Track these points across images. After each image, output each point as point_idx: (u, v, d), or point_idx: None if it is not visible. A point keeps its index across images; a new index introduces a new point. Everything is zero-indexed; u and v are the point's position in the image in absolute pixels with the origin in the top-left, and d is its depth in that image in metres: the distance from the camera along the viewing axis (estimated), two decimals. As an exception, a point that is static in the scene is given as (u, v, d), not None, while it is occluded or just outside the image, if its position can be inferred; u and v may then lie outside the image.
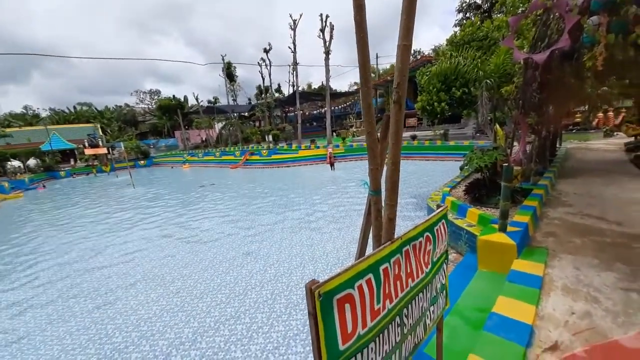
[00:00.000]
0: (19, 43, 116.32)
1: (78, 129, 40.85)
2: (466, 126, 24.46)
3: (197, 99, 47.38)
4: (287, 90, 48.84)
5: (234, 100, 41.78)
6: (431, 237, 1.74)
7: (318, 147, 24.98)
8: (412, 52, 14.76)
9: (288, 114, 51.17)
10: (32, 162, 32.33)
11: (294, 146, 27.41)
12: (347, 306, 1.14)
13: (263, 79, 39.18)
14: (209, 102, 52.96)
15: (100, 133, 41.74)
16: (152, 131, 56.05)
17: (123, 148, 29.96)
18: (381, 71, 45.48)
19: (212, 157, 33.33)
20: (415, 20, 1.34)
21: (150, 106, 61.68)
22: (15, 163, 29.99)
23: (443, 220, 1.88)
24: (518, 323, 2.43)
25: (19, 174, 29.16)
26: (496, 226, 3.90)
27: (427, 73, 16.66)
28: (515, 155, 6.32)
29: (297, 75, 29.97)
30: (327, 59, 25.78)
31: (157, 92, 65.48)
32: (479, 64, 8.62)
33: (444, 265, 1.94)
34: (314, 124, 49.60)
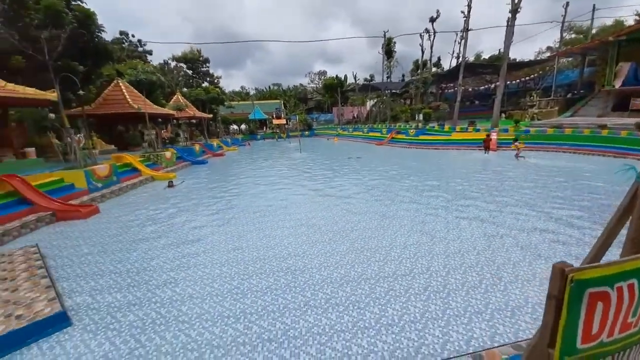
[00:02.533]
0: (237, 36, 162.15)
1: (270, 104, 54.13)
2: None
3: (355, 78, 50.92)
4: (447, 64, 43.61)
5: (388, 77, 41.85)
6: None
7: (478, 130, 21.62)
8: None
9: (445, 91, 46.07)
10: (243, 126, 46.55)
11: (446, 127, 25.00)
12: (600, 305, 1.01)
13: (422, 52, 36.76)
14: (365, 80, 55.63)
15: (283, 108, 53.52)
16: (316, 107, 65.74)
17: (298, 120, 37.20)
18: (594, 30, 31.71)
19: (360, 133, 35.74)
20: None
21: (317, 85, 71.96)
22: (235, 127, 44.26)
23: None
24: None
25: (236, 134, 42.83)
26: None
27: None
28: None
29: (465, 45, 26.16)
30: (512, 19, 20.80)
31: (324, 73, 75.05)
32: None
33: None
34: (476, 102, 42.34)
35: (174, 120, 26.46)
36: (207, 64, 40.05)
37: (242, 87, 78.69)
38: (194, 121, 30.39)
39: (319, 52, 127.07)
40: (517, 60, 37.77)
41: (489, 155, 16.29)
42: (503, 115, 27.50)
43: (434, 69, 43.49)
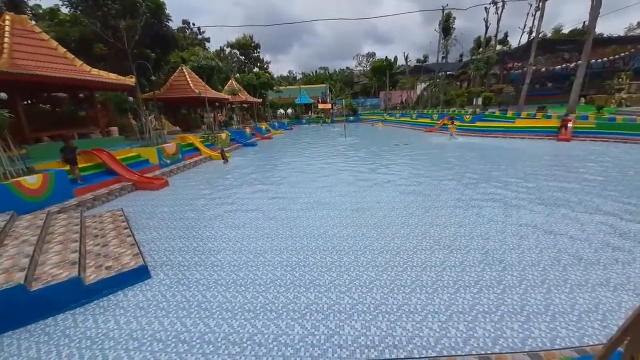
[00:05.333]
0: (286, 20, 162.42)
1: (316, 89, 54.11)
2: None
3: (406, 59, 48.00)
4: (515, 41, 38.31)
5: (444, 57, 38.50)
6: None
7: (549, 117, 18.98)
8: None
9: (511, 71, 40.76)
10: (289, 111, 47.60)
11: (509, 113, 22.41)
12: None
13: (487, 28, 32.92)
14: (418, 61, 52.01)
15: (328, 92, 53.11)
16: (362, 91, 63.89)
17: (344, 105, 36.79)
18: None
19: (408, 119, 33.99)
20: None
21: (365, 68, 69.50)
22: (281, 111, 45.50)
23: None
24: None
25: (282, 118, 44.07)
26: None
27: None
28: None
29: (541, 17, 22.60)
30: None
31: (372, 55, 71.93)
32: None
33: None
34: (549, 84, 36.83)
35: (228, 104, 28.19)
36: (258, 50, 41.33)
37: (289, 72, 79.84)
38: (245, 105, 32.01)
39: (368, 32, 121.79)
40: (605, 36, 31.49)
41: (564, 145, 14.28)
42: (582, 99, 23.54)
43: (499, 47, 38.63)
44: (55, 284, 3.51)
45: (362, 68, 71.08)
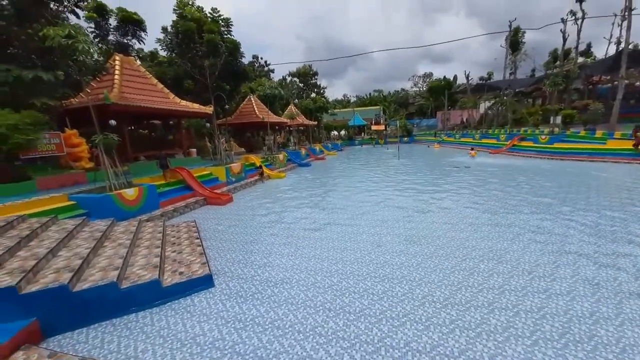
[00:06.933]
0: (342, 48, 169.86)
1: (369, 111, 54.62)
2: None
3: (467, 77, 45.45)
4: (601, 52, 33.16)
5: (512, 73, 35.24)
6: None
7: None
8: None
9: (597, 86, 34.99)
10: (342, 132, 48.70)
11: (598, 133, 19.12)
12: None
13: (564, 40, 29.33)
14: (481, 79, 48.76)
15: (382, 114, 53.03)
16: (417, 112, 62.04)
17: (398, 126, 36.30)
18: None
19: (470, 139, 31.56)
20: None
21: (421, 89, 67.86)
22: (335, 132, 46.83)
23: None
24: None
25: (335, 139, 45.21)
26: None
27: None
28: None
29: (629, 27, 19.35)
30: None
31: (429, 75, 70.13)
32: None
33: None
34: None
35: (287, 127, 30.28)
36: (316, 77, 44.01)
37: (344, 96, 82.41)
38: (301, 128, 33.94)
39: (425, 52, 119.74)
40: None
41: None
42: None
43: (580, 59, 33.90)
44: (140, 283, 4.11)
45: (417, 88, 69.57)
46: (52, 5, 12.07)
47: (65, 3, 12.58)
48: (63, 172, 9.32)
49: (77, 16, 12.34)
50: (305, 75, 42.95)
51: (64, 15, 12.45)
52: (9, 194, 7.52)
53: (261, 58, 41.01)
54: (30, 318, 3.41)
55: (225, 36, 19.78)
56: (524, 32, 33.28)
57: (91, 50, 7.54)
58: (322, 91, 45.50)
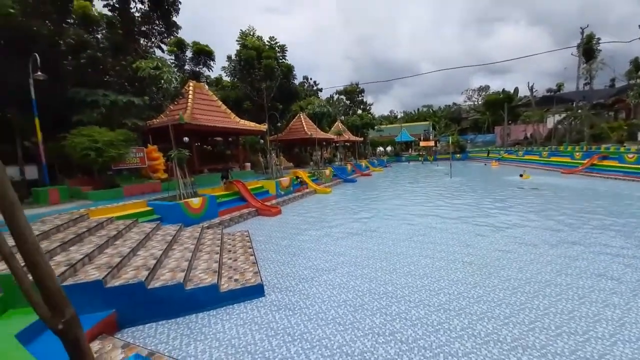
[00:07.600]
0: (389, 63, 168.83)
1: (418, 126, 52.89)
2: None
3: (531, 89, 41.39)
4: None
5: (587, 84, 30.99)
6: None
7: None
8: None
9: None
10: (389, 148, 47.75)
11: None
12: None
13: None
14: (548, 90, 43.98)
15: (431, 129, 50.85)
16: (472, 127, 58.01)
17: (450, 142, 34.47)
18: None
19: (536, 157, 28.25)
20: None
21: (476, 103, 63.61)
22: (381, 148, 46.11)
23: None
24: None
25: (382, 155, 44.46)
26: None
27: None
28: None
29: None
30: None
31: (486, 88, 65.52)
32: None
33: None
34: None
35: (333, 143, 30.89)
36: (362, 94, 44.53)
37: (390, 112, 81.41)
38: (347, 144, 34.27)
39: (480, 65, 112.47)
40: None
41: None
42: None
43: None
44: (202, 286, 4.47)
45: (471, 103, 65.32)
46: (142, 41, 14.59)
47: (153, 39, 15.10)
48: (144, 182, 10.87)
49: (162, 50, 14.68)
50: (352, 92, 43.77)
51: (152, 50, 14.91)
52: (103, 199, 9.01)
53: (310, 78, 43.18)
54: (109, 310, 3.86)
55: (280, 61, 21.50)
56: (599, 39, 29.32)
57: (173, 79, 8.81)
58: (368, 108, 45.68)
